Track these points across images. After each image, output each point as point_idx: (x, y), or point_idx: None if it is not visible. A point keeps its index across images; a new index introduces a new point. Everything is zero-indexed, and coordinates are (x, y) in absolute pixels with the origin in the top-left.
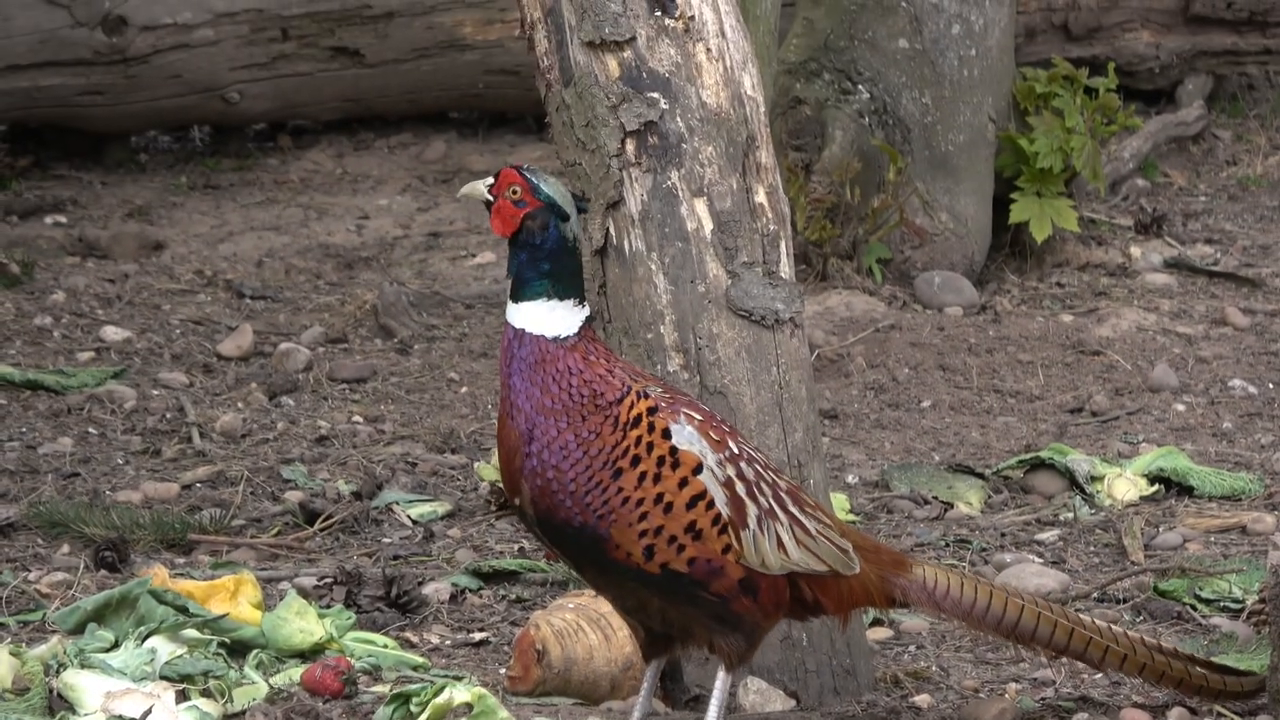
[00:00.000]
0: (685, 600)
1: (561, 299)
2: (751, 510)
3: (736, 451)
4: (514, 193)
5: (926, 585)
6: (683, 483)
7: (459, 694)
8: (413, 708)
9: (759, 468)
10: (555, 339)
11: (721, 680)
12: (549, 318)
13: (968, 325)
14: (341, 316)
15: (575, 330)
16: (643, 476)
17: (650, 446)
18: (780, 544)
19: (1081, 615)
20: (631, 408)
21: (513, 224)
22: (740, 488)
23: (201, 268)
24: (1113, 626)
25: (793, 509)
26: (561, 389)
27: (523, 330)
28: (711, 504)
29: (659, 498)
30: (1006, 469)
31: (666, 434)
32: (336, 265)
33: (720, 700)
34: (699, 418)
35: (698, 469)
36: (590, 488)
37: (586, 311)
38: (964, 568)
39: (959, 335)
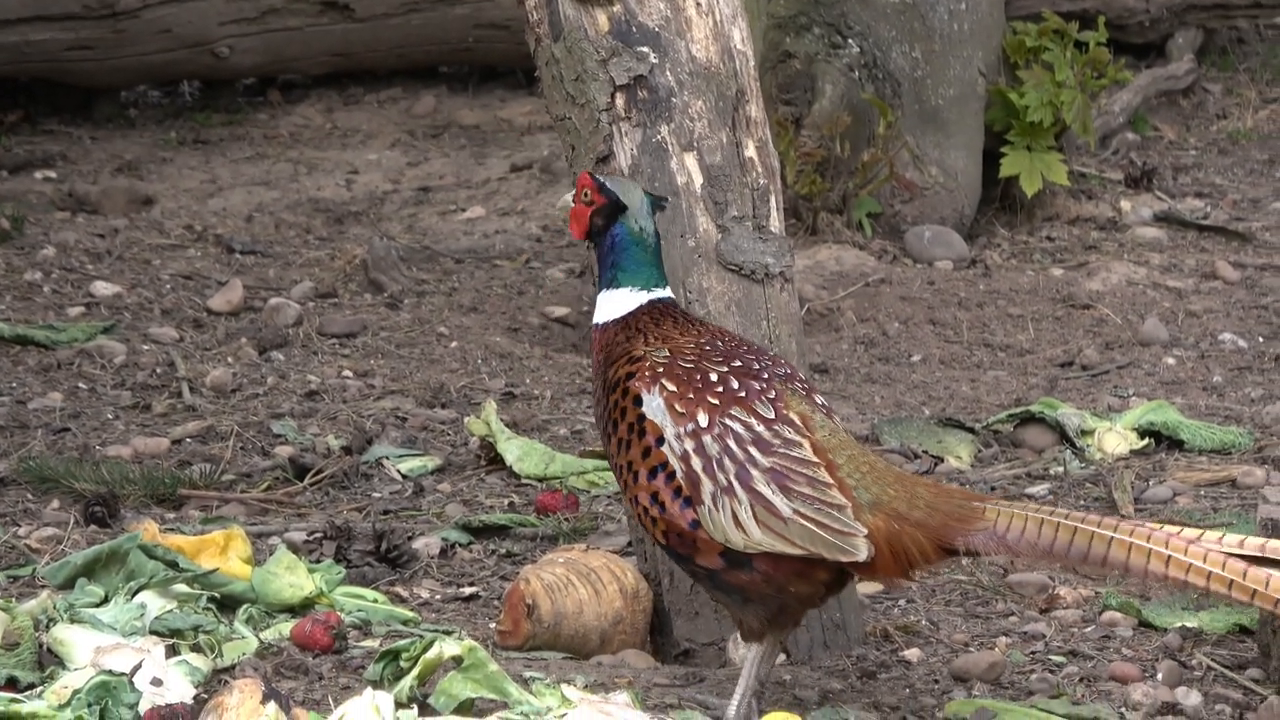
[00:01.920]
0: (689, 572)
1: (621, 287)
2: (707, 487)
3: (705, 425)
4: (585, 195)
5: (997, 531)
6: (646, 452)
7: (449, 648)
8: (403, 663)
9: (735, 443)
10: (602, 324)
11: (742, 653)
12: (606, 307)
13: (958, 279)
14: (331, 271)
15: (622, 313)
16: (621, 441)
17: (624, 412)
18: (738, 523)
19: (1168, 526)
20: (617, 372)
21: (584, 223)
22: (697, 462)
23: (191, 223)
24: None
25: (762, 488)
26: (595, 362)
27: (595, 323)
28: (672, 476)
29: (629, 465)
30: (996, 423)
31: (638, 401)
32: (326, 220)
33: (746, 676)
34: (672, 388)
35: (660, 440)
36: (606, 447)
37: (652, 295)
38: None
39: (949, 289)
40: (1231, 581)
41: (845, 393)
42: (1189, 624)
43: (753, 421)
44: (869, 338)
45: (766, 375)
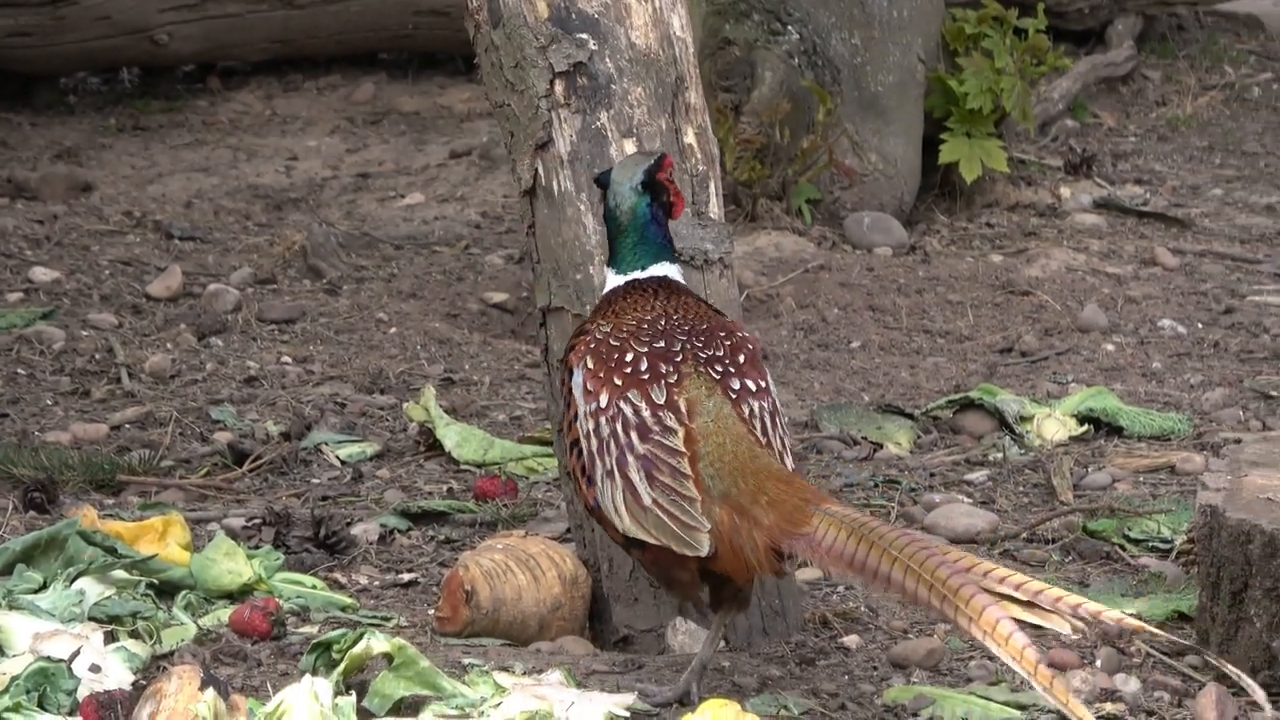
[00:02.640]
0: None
1: (609, 268)
2: (599, 468)
3: (604, 406)
4: None
5: (815, 538)
6: (569, 424)
7: (377, 644)
8: (334, 654)
9: (621, 427)
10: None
11: (680, 639)
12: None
13: (897, 265)
14: (270, 257)
15: (604, 294)
16: (562, 413)
17: (562, 383)
18: (615, 508)
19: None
20: (569, 345)
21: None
22: (594, 443)
23: (130, 209)
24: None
25: (633, 475)
26: None
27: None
28: (581, 454)
29: (564, 433)
30: (936, 409)
31: (570, 374)
32: (265, 206)
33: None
34: (590, 366)
35: (576, 415)
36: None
37: (628, 277)
38: (893, 509)
39: (888, 276)
40: (999, 641)
41: (785, 379)
42: (1128, 610)
43: (642, 405)
44: (808, 324)
45: (681, 357)
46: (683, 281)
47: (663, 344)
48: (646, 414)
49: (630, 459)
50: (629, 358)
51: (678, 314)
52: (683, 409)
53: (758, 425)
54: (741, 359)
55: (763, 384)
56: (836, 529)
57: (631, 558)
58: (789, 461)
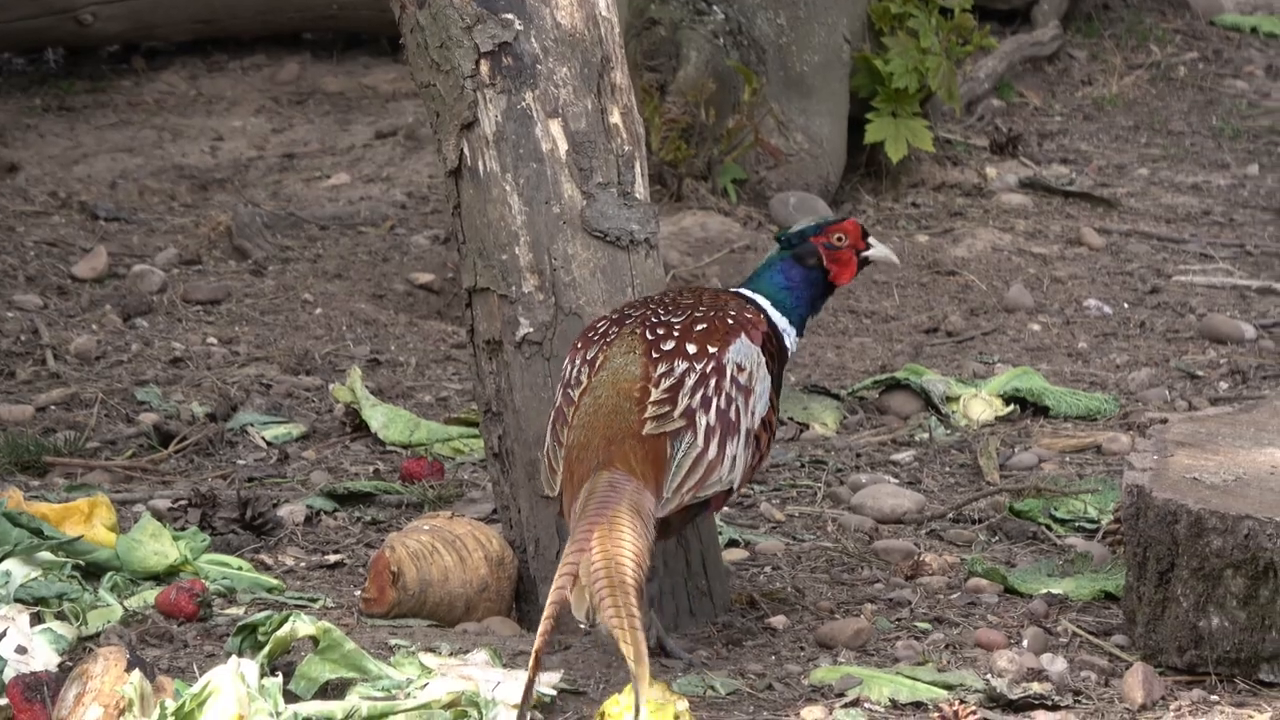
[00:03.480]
0: None
1: None
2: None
3: (564, 365)
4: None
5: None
6: None
7: (303, 626)
8: (260, 636)
9: (559, 384)
10: None
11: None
12: None
13: None
14: (196, 238)
15: None
16: None
17: None
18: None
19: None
20: None
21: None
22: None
23: (55, 189)
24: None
25: (549, 427)
26: None
27: None
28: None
29: None
30: (862, 389)
31: None
32: (191, 187)
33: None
34: (576, 339)
35: None
36: None
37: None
38: (819, 489)
39: None
40: None
41: None
42: (1055, 590)
43: (576, 362)
44: None
45: (632, 319)
46: (784, 335)
47: (625, 309)
48: (571, 372)
49: (552, 412)
50: (598, 324)
51: (683, 293)
52: (595, 365)
53: (664, 383)
54: (701, 327)
55: (712, 350)
56: (575, 495)
57: None
58: (704, 419)
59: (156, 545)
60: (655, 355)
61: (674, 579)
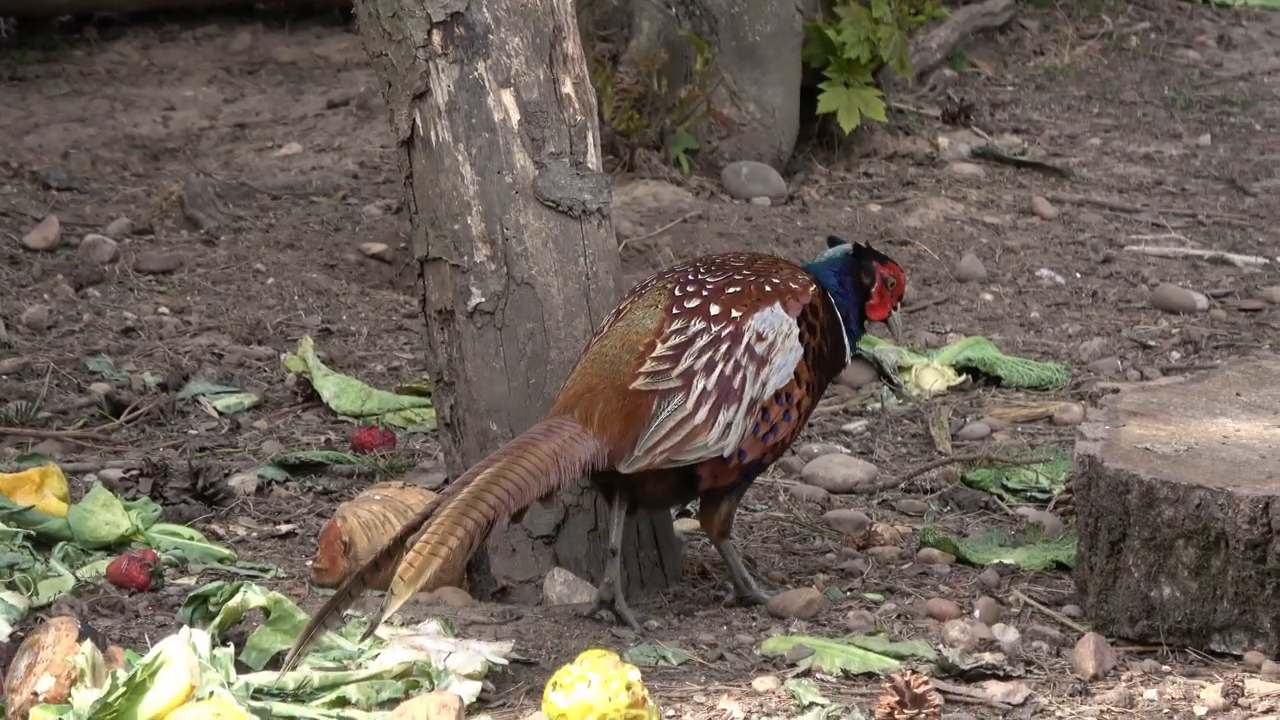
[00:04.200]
0: None
1: None
2: None
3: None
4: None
5: None
6: None
7: (254, 597)
8: (211, 607)
9: (591, 337)
10: None
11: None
12: None
13: (775, 215)
14: (148, 208)
15: None
16: None
17: None
18: None
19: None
20: None
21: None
22: None
23: (7, 159)
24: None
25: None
26: None
27: None
28: None
29: None
30: None
31: None
32: (143, 156)
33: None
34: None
35: None
36: None
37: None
38: None
39: (766, 225)
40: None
41: None
42: (1006, 561)
43: (612, 313)
44: None
45: (671, 275)
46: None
47: (677, 267)
48: (604, 324)
49: None
50: (647, 279)
51: (743, 260)
52: (620, 315)
53: (673, 339)
54: (734, 290)
55: (736, 314)
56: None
57: None
58: (702, 382)
59: (108, 515)
60: (675, 312)
61: (625, 549)
